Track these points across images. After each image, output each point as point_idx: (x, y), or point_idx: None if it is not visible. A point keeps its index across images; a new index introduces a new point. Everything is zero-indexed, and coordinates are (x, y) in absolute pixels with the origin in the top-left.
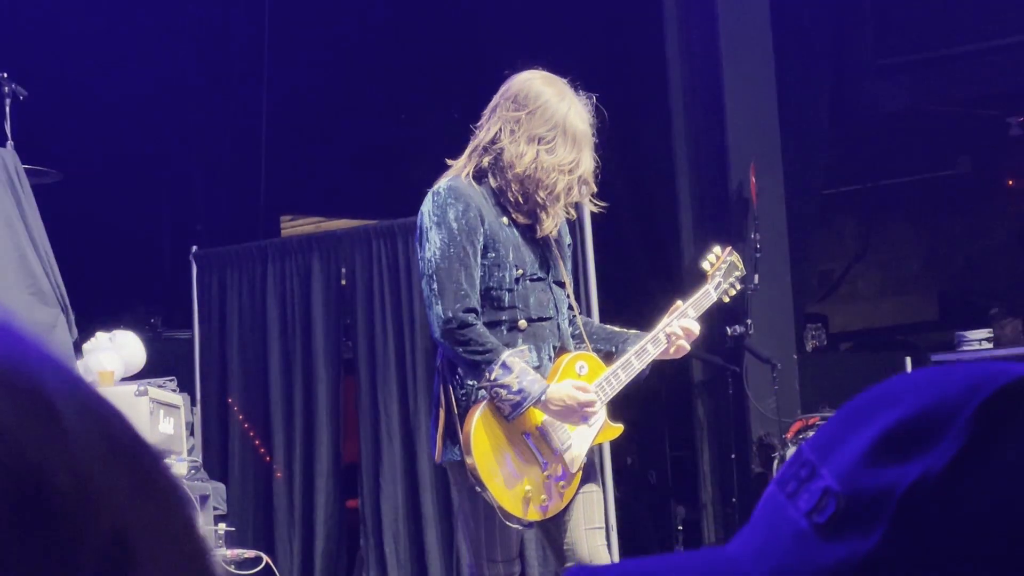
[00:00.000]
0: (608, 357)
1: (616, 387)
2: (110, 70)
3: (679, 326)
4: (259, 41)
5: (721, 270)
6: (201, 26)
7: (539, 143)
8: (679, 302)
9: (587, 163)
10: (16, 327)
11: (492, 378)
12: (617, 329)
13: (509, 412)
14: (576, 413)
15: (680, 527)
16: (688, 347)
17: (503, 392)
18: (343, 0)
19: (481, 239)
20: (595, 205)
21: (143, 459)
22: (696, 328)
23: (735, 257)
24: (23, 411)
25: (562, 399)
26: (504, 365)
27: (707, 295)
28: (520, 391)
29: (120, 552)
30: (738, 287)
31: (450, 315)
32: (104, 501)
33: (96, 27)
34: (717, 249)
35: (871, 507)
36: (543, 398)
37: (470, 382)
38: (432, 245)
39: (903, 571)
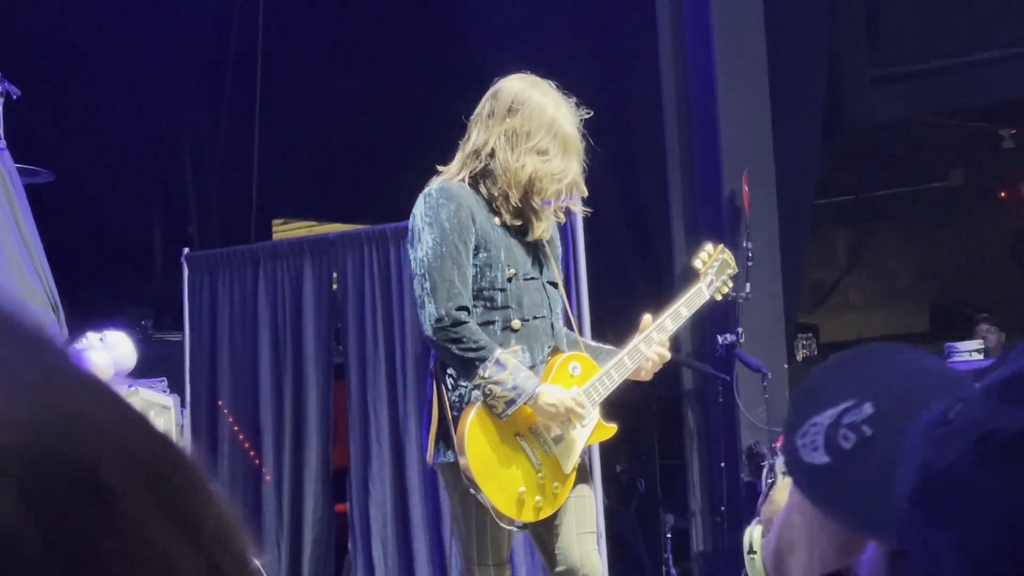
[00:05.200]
0: None
1: (610, 387)
2: (104, 71)
3: (654, 352)
4: (253, 44)
5: (713, 268)
6: (195, 29)
7: (536, 154)
8: (648, 317)
9: (575, 168)
10: (77, 371)
11: (486, 375)
12: (593, 344)
13: (503, 410)
14: (562, 417)
15: (669, 535)
16: (652, 367)
17: (496, 389)
18: (338, 4)
19: (473, 239)
20: (583, 209)
21: (181, 487)
22: (667, 354)
23: (727, 255)
24: (73, 495)
25: (554, 400)
26: (498, 362)
27: (699, 293)
28: (514, 387)
29: None
30: (730, 284)
31: (443, 312)
32: (135, 531)
33: (90, 28)
34: (709, 247)
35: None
36: (536, 393)
37: (463, 383)
38: (424, 245)
39: None
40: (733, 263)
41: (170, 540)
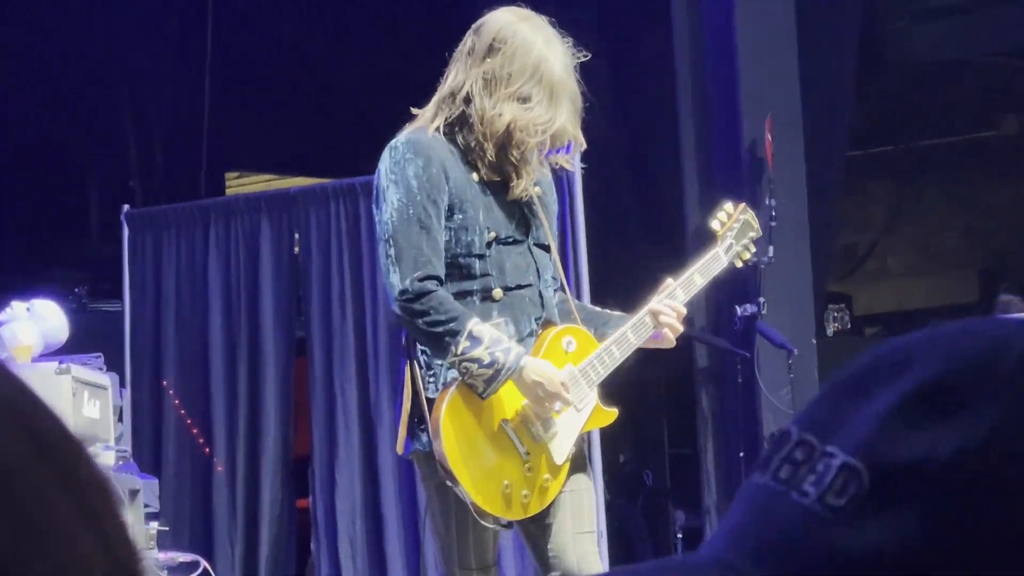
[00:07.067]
0: None
1: (611, 365)
2: (31, 7)
3: (667, 304)
4: None
5: (733, 230)
6: None
7: (517, 100)
8: (669, 280)
9: (564, 117)
10: None
11: (459, 352)
12: (598, 309)
13: (483, 389)
14: (547, 399)
15: (679, 535)
16: (680, 328)
17: (473, 367)
18: None
19: (446, 198)
20: (570, 164)
21: (70, 457)
22: (684, 310)
23: (749, 215)
24: None
25: (541, 377)
26: (471, 336)
27: (716, 259)
28: (492, 363)
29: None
30: (752, 249)
31: (406, 285)
32: (31, 506)
33: None
34: (728, 206)
35: (905, 483)
36: (520, 366)
37: (437, 361)
38: (389, 206)
39: (952, 556)
40: (756, 224)
41: (63, 512)
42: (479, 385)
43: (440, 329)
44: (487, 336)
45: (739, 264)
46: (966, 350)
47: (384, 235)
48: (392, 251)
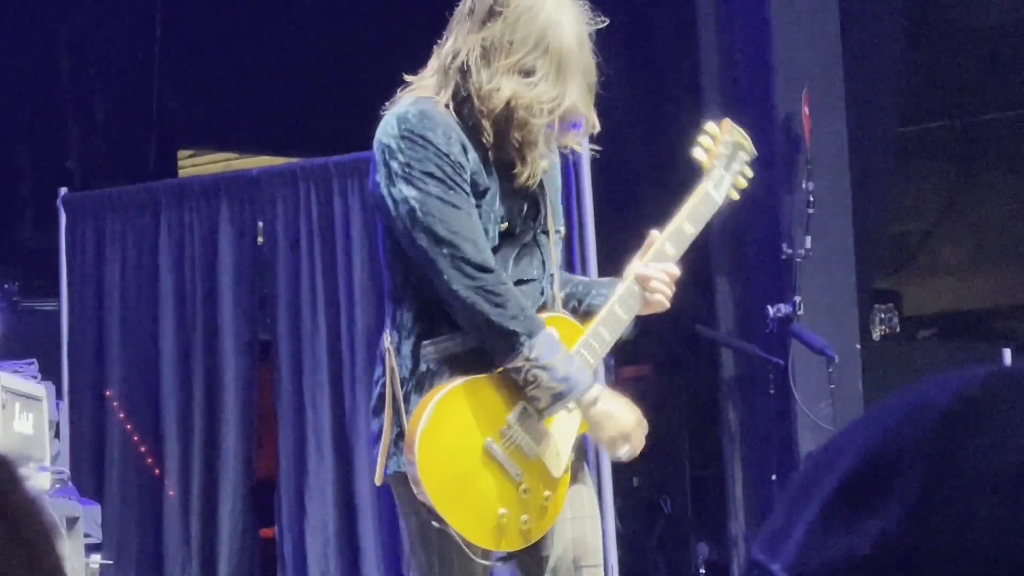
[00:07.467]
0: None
1: (601, 352)
2: None
3: (655, 268)
4: None
5: (721, 158)
6: None
7: (519, 74)
8: (654, 233)
9: (574, 94)
10: None
11: (532, 356)
12: (581, 278)
13: (547, 404)
14: (615, 440)
15: (702, 570)
16: (670, 293)
17: (544, 377)
18: None
19: (468, 178)
20: (590, 148)
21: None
22: (676, 270)
23: (738, 133)
24: None
25: (615, 412)
26: (550, 341)
27: (707, 199)
28: (566, 378)
29: None
30: (749, 173)
31: (484, 261)
32: None
33: None
34: (710, 126)
35: None
36: (594, 395)
37: (421, 369)
38: (418, 183)
39: None
40: (748, 144)
41: None
42: (543, 399)
43: (514, 325)
44: (563, 347)
45: (736, 197)
46: (884, 428)
47: (424, 214)
48: (442, 229)
